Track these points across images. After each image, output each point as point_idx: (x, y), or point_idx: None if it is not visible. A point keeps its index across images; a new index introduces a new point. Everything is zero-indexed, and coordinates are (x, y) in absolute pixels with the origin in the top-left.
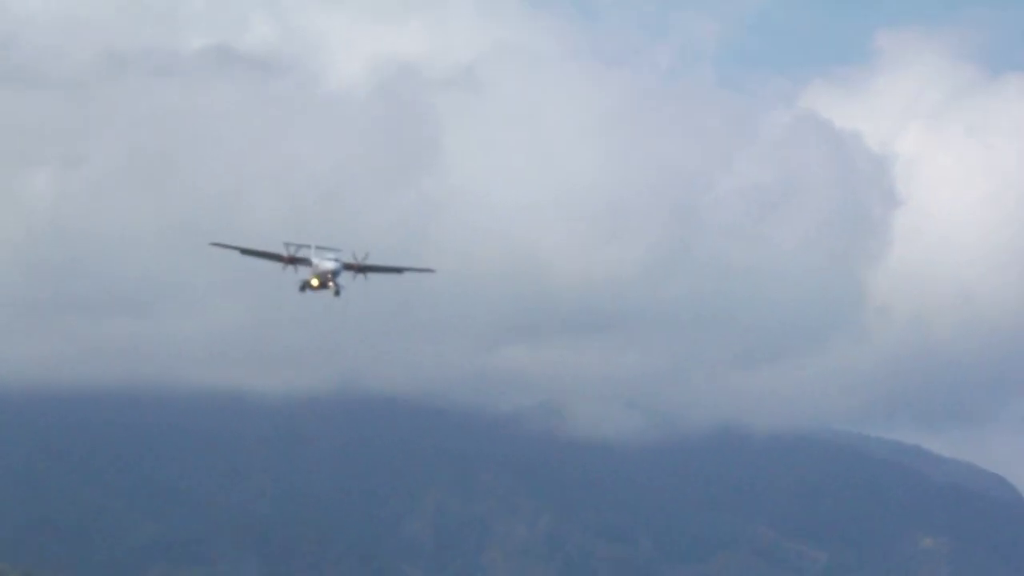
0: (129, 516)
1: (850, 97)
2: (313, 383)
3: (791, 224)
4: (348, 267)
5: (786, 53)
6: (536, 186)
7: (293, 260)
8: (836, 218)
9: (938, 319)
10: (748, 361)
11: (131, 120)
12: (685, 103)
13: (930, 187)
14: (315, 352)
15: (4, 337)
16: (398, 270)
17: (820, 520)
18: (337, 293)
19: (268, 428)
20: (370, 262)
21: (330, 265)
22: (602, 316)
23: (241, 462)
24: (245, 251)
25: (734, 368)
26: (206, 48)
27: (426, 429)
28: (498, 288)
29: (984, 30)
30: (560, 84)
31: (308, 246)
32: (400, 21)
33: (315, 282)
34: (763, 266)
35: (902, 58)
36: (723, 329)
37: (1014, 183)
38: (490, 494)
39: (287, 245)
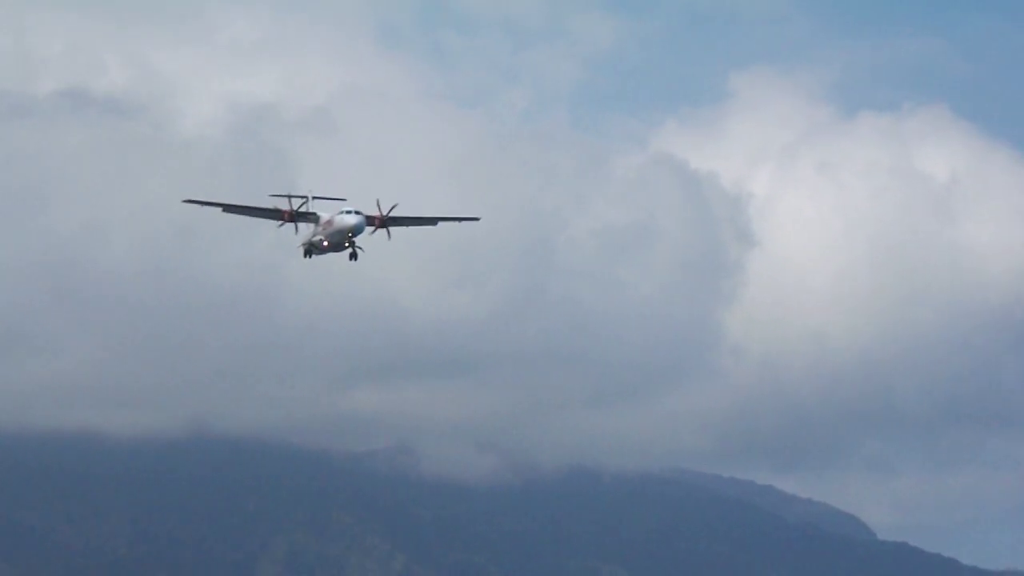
0: None
1: (704, 138)
2: (166, 423)
3: (646, 265)
4: (370, 221)
5: (640, 94)
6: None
7: (295, 216)
8: (691, 259)
9: (791, 359)
10: (601, 402)
11: None
12: (540, 144)
13: (784, 228)
14: (168, 392)
15: None
16: (432, 221)
17: (673, 560)
18: (354, 256)
19: (122, 469)
20: (396, 213)
21: (351, 220)
22: (455, 358)
23: (95, 503)
24: (229, 208)
25: (587, 409)
26: (61, 90)
27: (280, 470)
28: (351, 329)
29: (837, 70)
30: (414, 125)
31: (305, 197)
32: (255, 63)
33: (326, 243)
34: (617, 307)
35: (756, 98)
36: (577, 370)
37: (867, 223)
38: (344, 534)
39: (282, 197)
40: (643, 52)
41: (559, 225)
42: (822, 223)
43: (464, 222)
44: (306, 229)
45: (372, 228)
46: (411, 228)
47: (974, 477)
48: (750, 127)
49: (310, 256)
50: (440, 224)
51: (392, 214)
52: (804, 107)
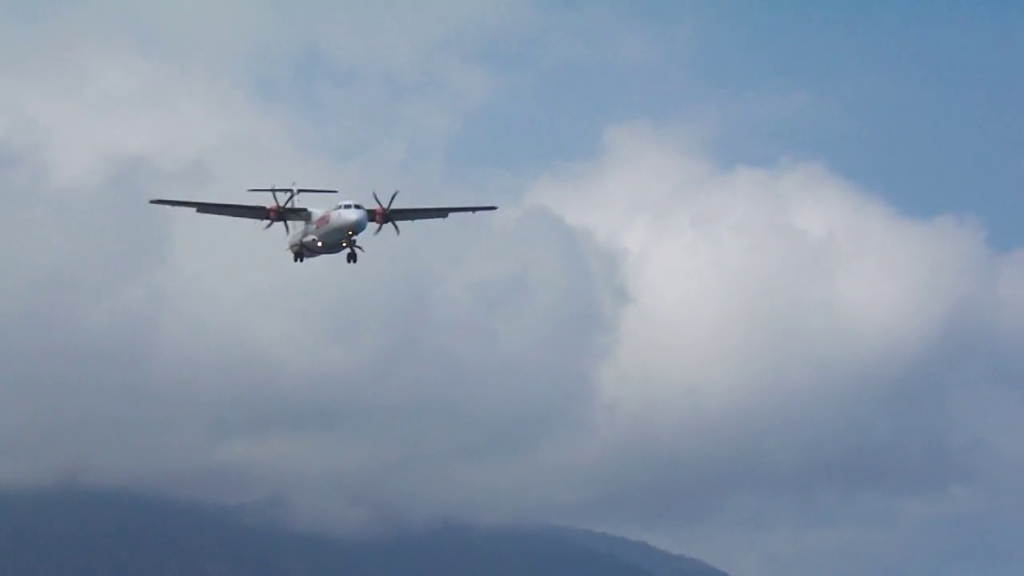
0: None
1: (580, 192)
2: (35, 475)
3: (520, 319)
4: (371, 217)
5: (515, 148)
6: (265, 280)
7: (283, 213)
8: (566, 313)
9: (665, 415)
10: (474, 455)
11: None
12: (416, 197)
13: (659, 283)
14: (36, 443)
15: None
16: (442, 212)
17: None
18: (353, 258)
19: None
20: (399, 205)
21: (351, 216)
22: (328, 410)
23: None
24: (204, 207)
25: (460, 462)
26: None
27: (151, 522)
28: (224, 382)
29: (713, 124)
30: (290, 178)
31: (290, 191)
32: (131, 114)
33: (320, 243)
34: (492, 360)
35: (631, 153)
36: (450, 423)
37: (742, 279)
38: None
39: (264, 192)
40: (518, 105)
41: (434, 278)
42: (697, 278)
43: (480, 211)
44: (294, 228)
45: (376, 225)
46: (415, 224)
47: (846, 533)
48: (625, 182)
49: (301, 260)
50: (451, 216)
51: (395, 206)
52: (680, 161)
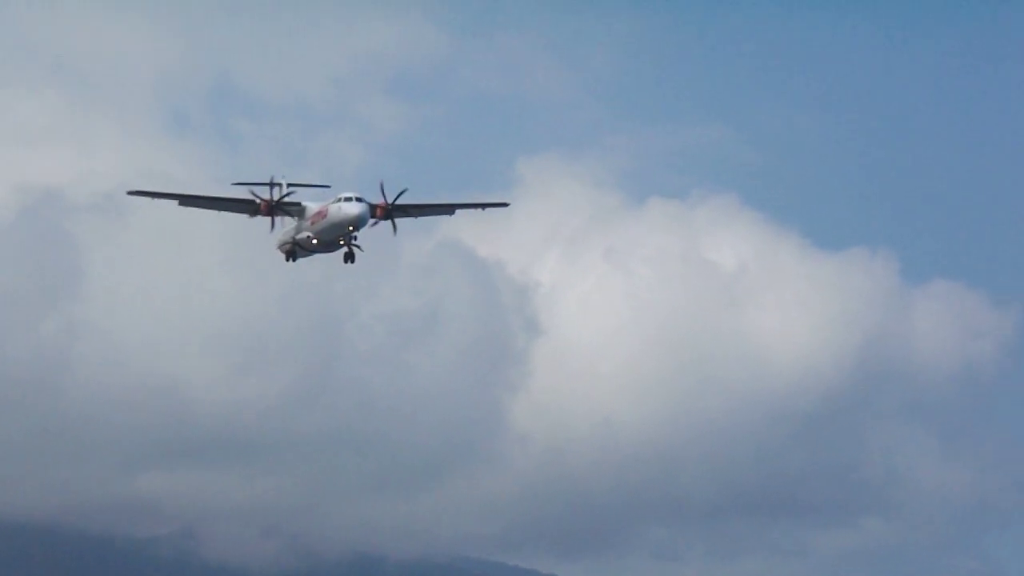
0: None
1: (492, 224)
2: None
3: (433, 351)
4: (371, 212)
5: (429, 180)
6: (179, 313)
7: (274, 208)
8: (478, 346)
9: (578, 447)
10: (387, 487)
11: None
12: None
13: (571, 315)
14: None
15: None
16: (449, 209)
17: None
18: (351, 257)
19: None
20: (406, 200)
21: (353, 210)
22: (241, 442)
23: None
24: (186, 200)
25: (373, 494)
26: None
27: (62, 555)
28: (136, 415)
29: (625, 157)
30: (204, 212)
31: (279, 184)
32: (44, 146)
33: (315, 240)
34: (405, 393)
35: (544, 185)
36: (363, 455)
37: (655, 311)
38: None
39: (250, 186)
40: (431, 137)
41: (348, 310)
42: (610, 310)
43: (491, 207)
44: (285, 225)
45: (374, 220)
46: (417, 222)
47: (758, 564)
48: (538, 214)
49: (294, 259)
50: (462, 216)
51: (399, 202)
52: (593, 193)
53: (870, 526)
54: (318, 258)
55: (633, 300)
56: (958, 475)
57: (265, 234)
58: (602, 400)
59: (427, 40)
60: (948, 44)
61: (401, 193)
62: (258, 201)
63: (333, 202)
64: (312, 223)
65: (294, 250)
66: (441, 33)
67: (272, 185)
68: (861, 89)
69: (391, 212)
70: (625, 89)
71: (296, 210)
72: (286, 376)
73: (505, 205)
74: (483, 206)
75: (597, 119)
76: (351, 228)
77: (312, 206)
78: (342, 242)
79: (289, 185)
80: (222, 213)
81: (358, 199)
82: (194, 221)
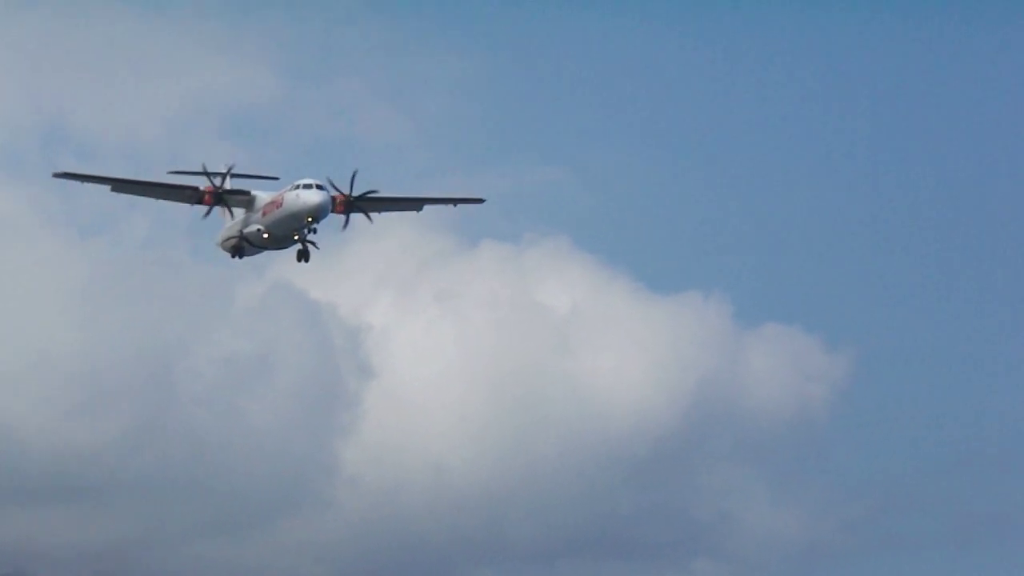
0: None
1: (325, 267)
2: None
3: (265, 395)
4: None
5: None
6: (8, 354)
7: (221, 196)
8: (310, 389)
9: (409, 490)
10: (218, 531)
11: None
12: (162, 272)
13: (404, 358)
14: None
15: None
16: (416, 204)
17: None
18: (306, 256)
19: None
20: (371, 192)
21: (313, 199)
22: (72, 485)
23: None
24: (120, 185)
25: (204, 538)
26: None
27: None
28: None
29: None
30: (35, 252)
31: (222, 174)
32: None
33: (267, 234)
34: (236, 436)
35: (376, 228)
36: (194, 499)
37: (487, 354)
38: None
39: (189, 175)
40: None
41: (180, 353)
42: (442, 353)
43: (463, 203)
44: (229, 217)
45: (342, 218)
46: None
47: None
48: (370, 257)
49: (240, 256)
50: (426, 210)
51: (362, 193)
52: (425, 236)
53: (702, 568)
54: (267, 256)
55: (465, 343)
56: (790, 517)
57: (107, 262)
58: (434, 443)
59: (261, 83)
60: (779, 91)
61: (354, 176)
62: (201, 188)
63: (290, 190)
64: (264, 214)
65: (241, 246)
66: (275, 76)
67: (212, 175)
68: (693, 131)
69: (352, 204)
70: (458, 133)
71: (245, 200)
72: (118, 419)
73: (480, 201)
74: (455, 201)
75: (431, 162)
76: (310, 220)
77: (263, 195)
78: (296, 237)
79: (232, 176)
80: (160, 202)
81: (319, 186)
82: (28, 261)
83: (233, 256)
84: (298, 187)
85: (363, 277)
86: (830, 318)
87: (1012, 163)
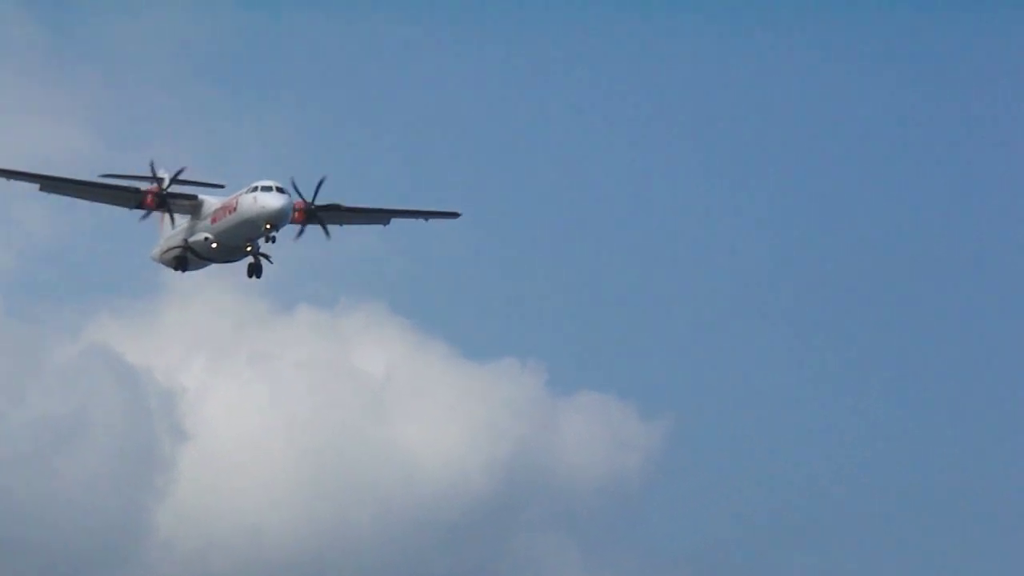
0: None
1: (140, 330)
2: None
3: (80, 457)
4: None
5: (76, 285)
6: None
7: (162, 199)
8: (125, 452)
9: (223, 553)
10: None
11: None
12: None
13: (219, 421)
14: None
15: None
16: (383, 217)
17: None
18: (258, 271)
19: None
20: (326, 200)
21: (274, 203)
22: None
23: None
24: (50, 184)
25: None
26: None
27: None
28: None
29: (273, 263)
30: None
31: (160, 178)
32: None
33: (215, 244)
34: (50, 500)
35: (191, 291)
36: (7, 562)
37: (303, 419)
38: None
39: (126, 178)
40: (78, 242)
41: None
42: (258, 418)
43: (437, 218)
44: (168, 226)
45: (297, 227)
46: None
47: None
48: (186, 319)
49: (184, 269)
50: (392, 224)
51: (323, 202)
52: (241, 299)
53: None
54: (213, 272)
55: (280, 407)
56: None
57: None
58: (249, 506)
59: (77, 143)
60: (583, 155)
61: (321, 184)
62: (143, 189)
63: (245, 192)
64: (213, 221)
65: (185, 257)
66: (91, 136)
67: (154, 179)
68: (507, 196)
69: (313, 214)
70: None
71: (191, 205)
72: None
73: (455, 215)
74: (427, 215)
75: None
76: (268, 227)
77: (212, 200)
78: (249, 248)
79: (175, 181)
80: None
81: (280, 189)
82: None
83: (176, 269)
84: (255, 189)
85: (178, 340)
86: (645, 386)
87: (819, 236)
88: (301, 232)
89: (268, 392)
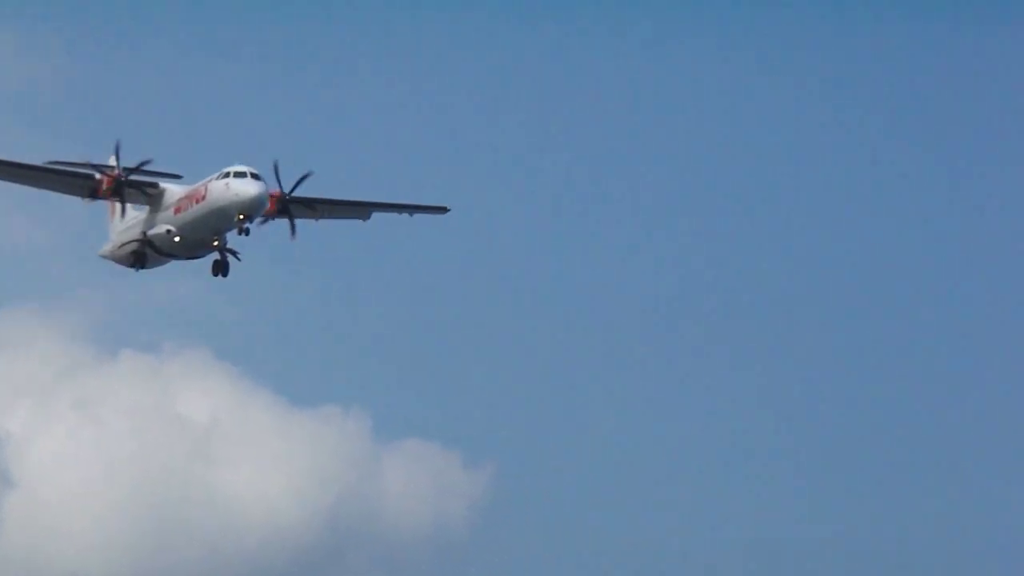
0: None
1: None
2: None
3: None
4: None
5: None
6: None
7: (122, 186)
8: None
9: None
10: None
11: None
12: None
13: (43, 468)
14: None
15: None
16: (363, 211)
17: None
18: (224, 267)
19: None
20: (310, 193)
21: (250, 190)
22: None
23: None
24: None
25: None
26: None
27: None
28: None
29: (98, 310)
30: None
31: (114, 166)
32: None
33: (178, 237)
34: None
35: (15, 337)
36: None
37: (127, 465)
38: None
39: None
40: None
41: None
42: (81, 464)
43: (423, 213)
44: (123, 218)
45: (271, 215)
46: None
47: None
48: (8, 366)
49: (142, 266)
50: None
51: (300, 193)
52: (66, 345)
53: None
54: (173, 268)
55: (105, 454)
56: None
57: None
58: (72, 553)
59: None
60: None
61: (304, 179)
62: (98, 176)
63: (216, 178)
64: (177, 212)
65: (143, 253)
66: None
67: (100, 167)
68: (327, 247)
69: (287, 205)
70: (101, 241)
71: (151, 194)
72: None
73: (444, 210)
74: (412, 210)
75: (70, 272)
76: (242, 217)
77: (176, 188)
78: (216, 242)
79: (127, 170)
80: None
81: (255, 175)
82: None
83: (132, 267)
84: (228, 175)
85: (2, 386)
86: (469, 434)
87: (648, 288)
88: (265, 222)
89: (92, 438)
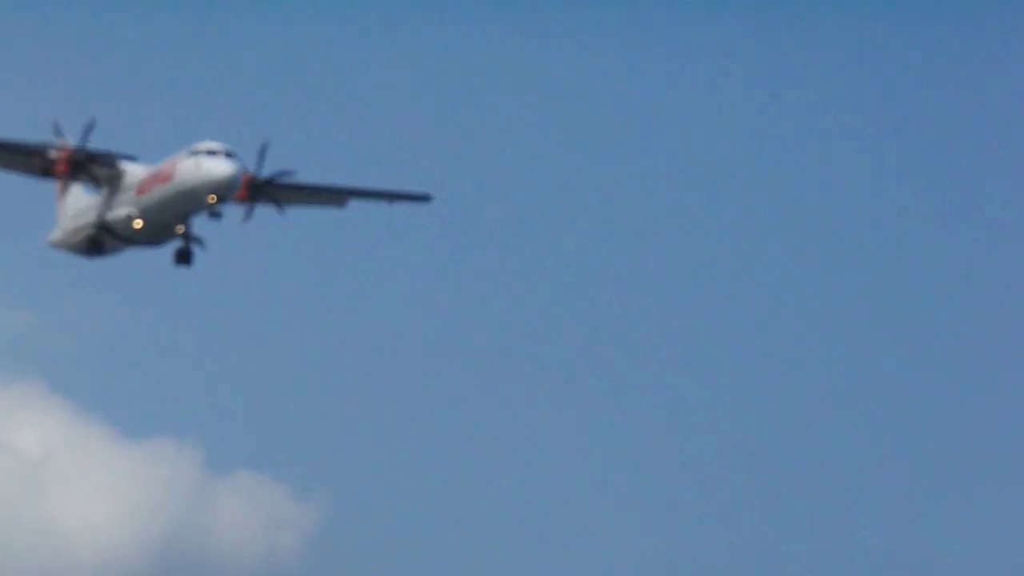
0: None
1: None
2: None
3: None
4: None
5: None
6: None
7: (79, 163)
8: None
9: None
10: None
11: None
12: None
13: None
14: None
15: None
16: (339, 198)
17: None
18: (187, 256)
19: None
20: (285, 178)
21: (224, 170)
22: None
23: None
24: None
25: None
26: None
27: None
28: None
29: None
30: None
31: (78, 148)
32: None
33: (140, 221)
34: None
35: None
36: None
37: None
38: None
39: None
40: None
41: None
42: None
43: (404, 201)
44: (78, 202)
45: (244, 201)
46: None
47: None
48: None
49: (98, 253)
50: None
51: (274, 178)
52: None
53: None
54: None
55: None
56: None
57: None
58: None
59: None
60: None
61: (264, 151)
62: (52, 155)
63: (185, 157)
64: (139, 193)
65: (99, 239)
66: None
67: (56, 148)
68: (177, 279)
69: (260, 189)
70: None
71: (110, 174)
72: None
73: (427, 198)
74: (392, 197)
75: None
76: (213, 199)
77: (137, 168)
78: (181, 229)
79: (81, 150)
80: None
81: (228, 154)
82: None
83: (86, 254)
84: (198, 154)
85: None
86: (301, 466)
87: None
88: (250, 213)
89: None
